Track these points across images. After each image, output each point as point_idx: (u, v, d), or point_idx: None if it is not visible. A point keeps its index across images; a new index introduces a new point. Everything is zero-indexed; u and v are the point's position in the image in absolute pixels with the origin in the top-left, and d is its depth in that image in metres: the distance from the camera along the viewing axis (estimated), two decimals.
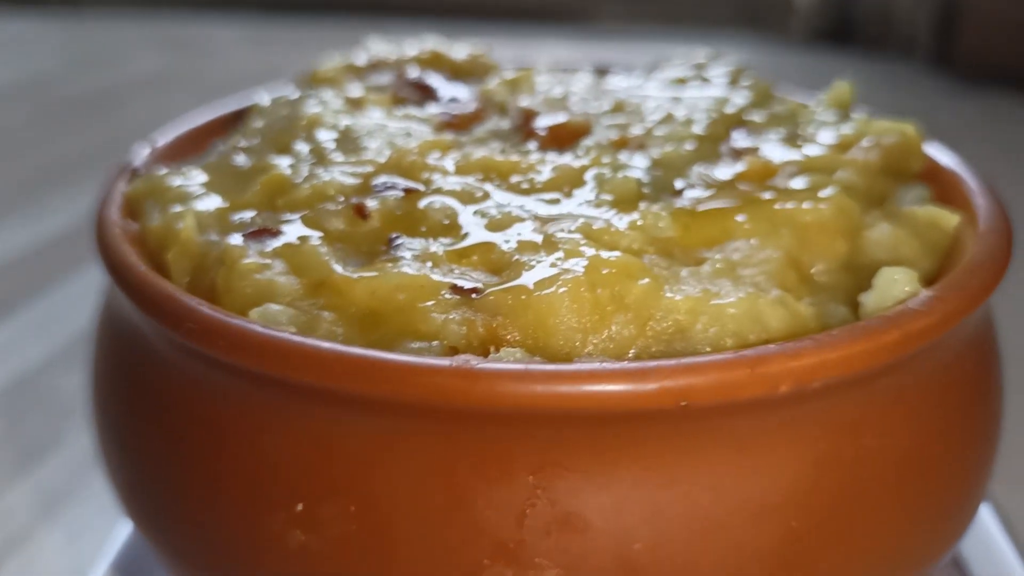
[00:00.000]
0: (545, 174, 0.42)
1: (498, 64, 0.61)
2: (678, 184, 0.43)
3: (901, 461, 0.35)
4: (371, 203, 0.40)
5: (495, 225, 0.39)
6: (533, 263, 0.36)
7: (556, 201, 0.41)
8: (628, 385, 0.31)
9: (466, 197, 0.41)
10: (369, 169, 0.42)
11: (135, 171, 0.47)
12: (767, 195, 0.41)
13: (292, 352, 0.32)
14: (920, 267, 0.42)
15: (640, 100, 0.54)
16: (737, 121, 0.51)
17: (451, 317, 0.35)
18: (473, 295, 0.35)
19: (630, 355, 0.34)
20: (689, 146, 0.47)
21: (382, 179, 0.42)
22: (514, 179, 0.42)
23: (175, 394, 0.37)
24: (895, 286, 0.36)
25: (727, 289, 0.36)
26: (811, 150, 0.46)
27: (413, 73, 0.56)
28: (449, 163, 0.43)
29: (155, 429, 0.37)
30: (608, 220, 0.38)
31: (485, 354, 0.34)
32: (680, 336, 0.35)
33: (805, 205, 0.41)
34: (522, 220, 0.39)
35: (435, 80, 0.55)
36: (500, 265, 0.37)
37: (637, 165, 0.44)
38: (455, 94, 0.53)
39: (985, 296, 0.37)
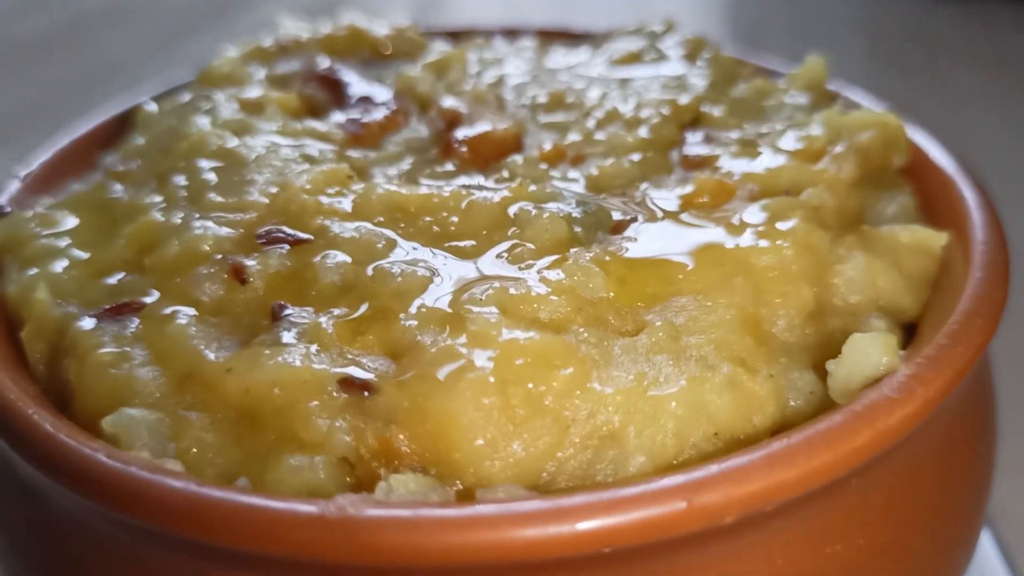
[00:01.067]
0: (459, 213, 0.36)
1: (426, 41, 0.53)
2: (616, 215, 0.37)
3: (877, 558, 0.30)
4: (251, 263, 0.34)
5: (396, 290, 0.33)
6: (435, 347, 0.30)
7: (471, 251, 0.35)
8: (539, 529, 0.25)
9: (365, 250, 0.34)
10: (251, 216, 0.36)
11: (1, 213, 0.41)
12: (717, 233, 0.35)
13: (139, 492, 0.27)
14: (901, 306, 0.36)
15: (583, 86, 0.47)
16: (692, 115, 0.44)
17: (338, 425, 0.29)
18: (365, 393, 0.29)
19: (546, 472, 0.29)
20: (635, 157, 0.40)
21: (266, 228, 0.35)
22: (424, 219, 0.36)
23: (24, 514, 0.31)
24: (867, 359, 0.31)
25: (667, 372, 0.30)
26: (774, 160, 0.39)
27: (322, 64, 0.48)
28: (347, 202, 0.36)
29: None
30: (528, 283, 0.32)
31: (382, 464, 0.29)
32: (610, 442, 0.29)
33: (762, 243, 0.34)
34: (428, 281, 0.33)
35: (346, 74, 0.48)
36: (399, 348, 0.31)
37: (570, 190, 0.38)
38: (368, 92, 0.46)
39: (977, 357, 0.31)
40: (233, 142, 0.40)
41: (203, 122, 0.42)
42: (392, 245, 0.35)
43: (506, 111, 0.45)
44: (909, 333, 0.36)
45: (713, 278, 0.33)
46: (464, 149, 0.40)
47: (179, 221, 0.36)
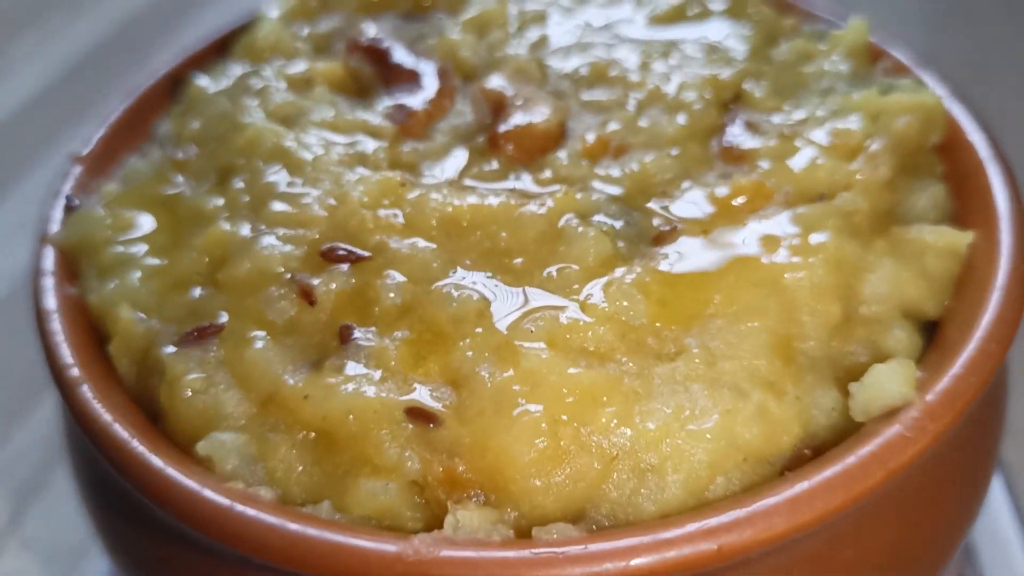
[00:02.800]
0: (508, 227, 0.38)
1: None
2: (656, 222, 0.39)
3: (878, 566, 0.34)
4: (317, 282, 0.37)
5: (453, 316, 0.35)
6: (491, 382, 0.33)
7: (521, 270, 0.37)
8: (592, 567, 0.29)
9: (421, 268, 0.37)
10: (313, 232, 0.38)
11: (68, 204, 0.43)
12: (753, 246, 0.37)
13: (234, 524, 0.31)
14: (923, 309, 0.38)
15: (624, 54, 0.47)
16: (733, 92, 0.45)
17: (407, 454, 0.33)
18: (430, 424, 0.33)
19: (591, 503, 0.32)
20: (674, 151, 0.42)
21: (328, 245, 0.38)
22: (476, 235, 0.38)
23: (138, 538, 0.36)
24: (887, 391, 0.33)
25: (703, 404, 0.33)
26: (810, 157, 0.40)
27: (367, 32, 0.49)
28: (402, 215, 0.39)
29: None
30: (575, 314, 0.35)
31: (447, 490, 0.32)
32: (650, 474, 0.32)
33: (795, 259, 0.36)
34: (483, 306, 0.36)
35: (390, 43, 0.48)
36: (459, 376, 0.34)
37: (612, 195, 0.40)
38: (413, 65, 0.47)
39: (989, 381, 0.34)
40: (288, 140, 0.42)
41: (256, 113, 0.44)
42: (447, 265, 0.37)
43: (548, 84, 0.46)
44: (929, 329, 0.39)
45: (748, 299, 0.36)
46: (510, 147, 0.42)
47: (247, 234, 0.39)
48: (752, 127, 0.43)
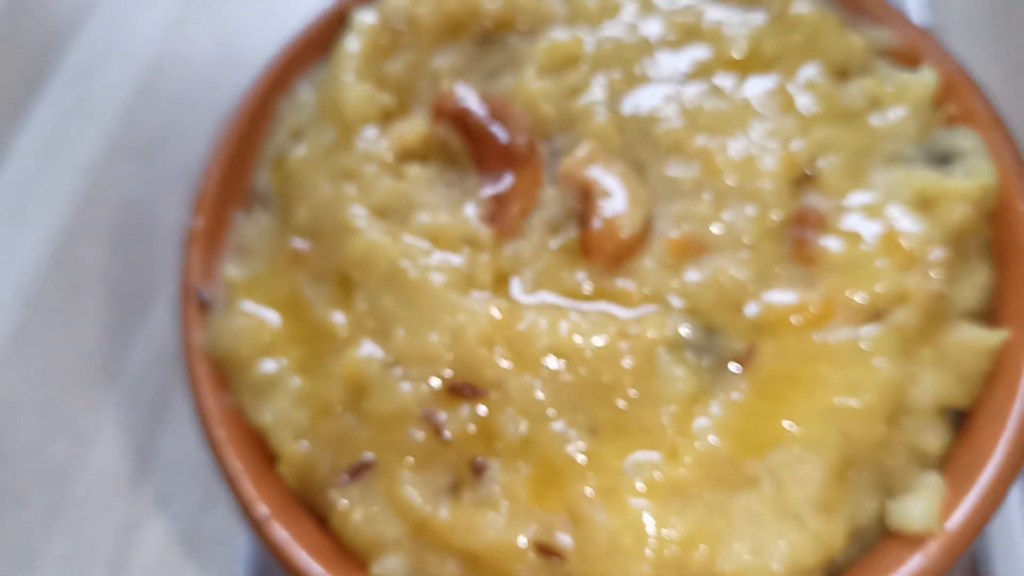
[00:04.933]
0: (607, 366, 0.44)
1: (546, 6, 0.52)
2: (734, 344, 0.44)
3: None
4: (444, 417, 0.43)
5: (567, 460, 0.42)
6: (604, 528, 0.41)
7: (623, 413, 0.43)
8: None
9: (535, 405, 0.43)
10: (439, 370, 0.44)
11: (202, 302, 0.48)
12: (818, 374, 0.43)
13: None
14: (956, 404, 0.45)
15: (692, 120, 0.48)
16: (806, 171, 0.47)
17: None
18: (555, 559, 0.42)
19: None
20: (749, 253, 0.46)
21: (452, 384, 0.44)
22: (579, 371, 0.44)
23: None
24: (914, 520, 0.42)
25: (773, 540, 0.41)
26: (874, 265, 0.45)
27: (454, 94, 0.50)
28: (508, 353, 0.44)
29: None
30: (670, 461, 0.42)
31: None
32: None
33: (853, 389, 0.43)
34: (595, 447, 0.42)
35: (473, 102, 0.49)
36: (577, 513, 0.42)
37: (695, 323, 0.45)
38: (499, 133, 0.49)
39: (1000, 504, 0.42)
40: (402, 260, 0.46)
41: (360, 213, 0.47)
42: (559, 405, 0.43)
43: (628, 149, 0.49)
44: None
45: (811, 429, 0.43)
46: (601, 257, 0.46)
47: (379, 369, 0.44)
48: (821, 222, 0.46)
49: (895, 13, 0.53)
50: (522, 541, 0.42)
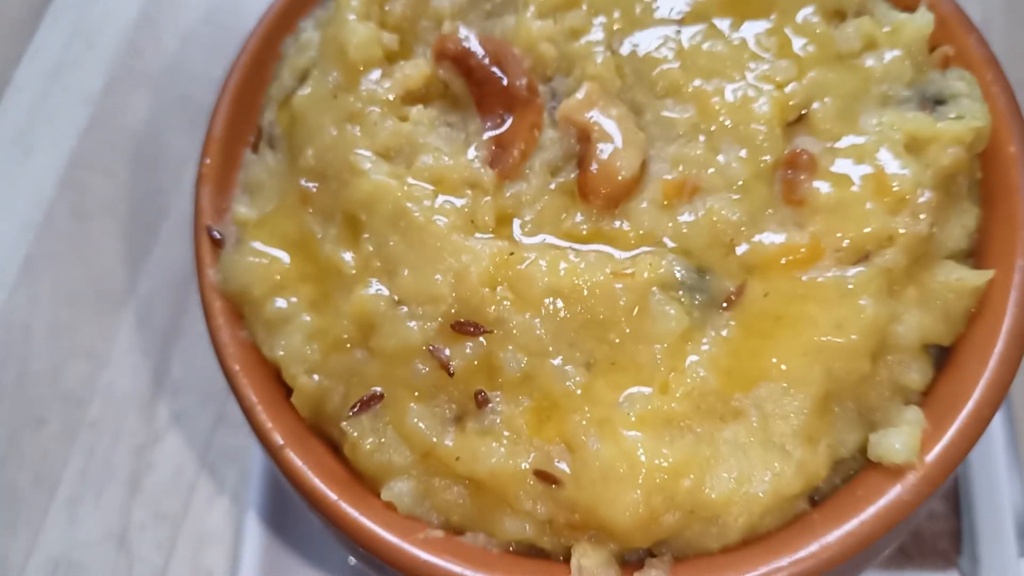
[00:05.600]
0: (604, 304, 0.45)
1: None
2: (726, 284, 0.46)
3: None
4: (449, 352, 0.45)
5: (565, 392, 0.45)
6: (598, 459, 0.44)
7: (617, 349, 0.45)
8: None
9: (535, 342, 0.45)
10: (444, 308, 0.46)
11: (212, 236, 0.50)
12: (804, 312, 0.45)
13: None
14: (940, 341, 0.47)
15: (691, 61, 0.49)
16: (797, 113, 0.48)
17: (537, 505, 0.45)
18: (553, 486, 0.44)
19: (672, 540, 0.44)
20: (741, 195, 0.47)
21: (456, 321, 0.46)
22: (577, 309, 0.45)
23: None
24: (895, 453, 0.44)
25: (758, 470, 0.44)
26: (860, 207, 0.46)
27: (452, 42, 0.50)
28: (512, 291, 0.46)
29: None
30: (661, 394, 0.44)
31: (570, 531, 0.45)
32: (718, 522, 0.44)
33: (839, 327, 0.45)
34: (591, 380, 0.45)
35: (474, 43, 0.50)
36: (574, 442, 0.44)
37: (688, 263, 0.46)
38: (499, 74, 0.50)
39: (975, 442, 0.45)
40: (406, 202, 0.47)
41: (366, 156, 0.48)
42: (558, 342, 0.45)
43: (626, 90, 0.50)
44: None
45: (797, 366, 0.45)
46: (599, 199, 0.47)
47: (387, 307, 0.46)
48: (812, 165, 0.48)
49: None
50: (524, 467, 0.44)
